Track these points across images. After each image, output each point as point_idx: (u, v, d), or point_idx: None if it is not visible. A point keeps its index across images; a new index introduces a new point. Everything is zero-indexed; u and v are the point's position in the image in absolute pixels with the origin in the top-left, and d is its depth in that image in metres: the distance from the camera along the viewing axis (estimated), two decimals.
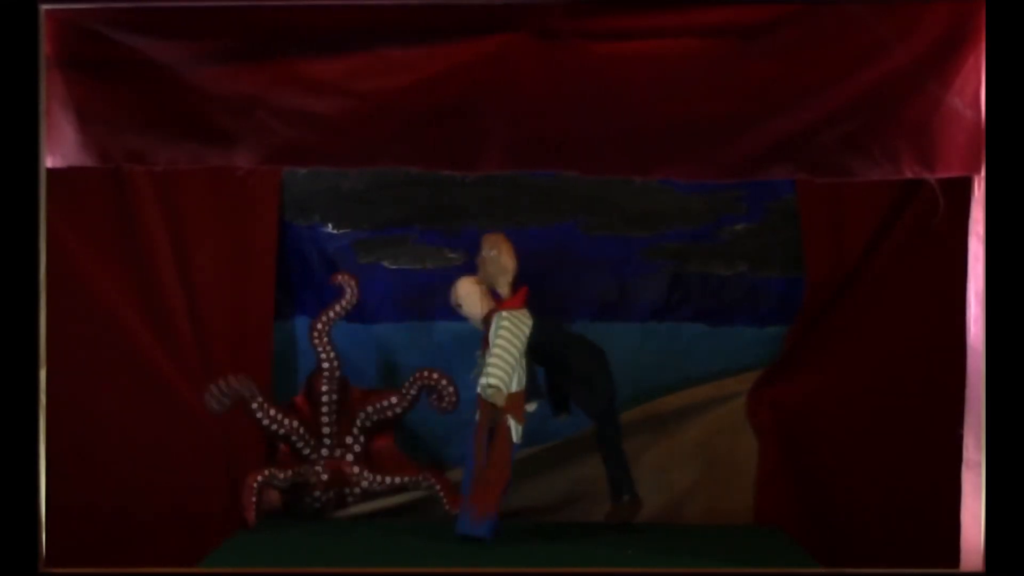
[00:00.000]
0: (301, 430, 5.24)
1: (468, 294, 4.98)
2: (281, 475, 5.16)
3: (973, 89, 3.84)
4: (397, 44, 3.94)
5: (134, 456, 5.08)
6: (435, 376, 5.25)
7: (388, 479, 5.30)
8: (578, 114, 3.99)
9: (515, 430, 4.82)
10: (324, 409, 5.28)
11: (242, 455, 5.30)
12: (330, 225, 5.56)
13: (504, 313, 4.86)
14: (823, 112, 3.94)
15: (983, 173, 3.82)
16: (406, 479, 5.31)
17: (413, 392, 5.29)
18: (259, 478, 5.07)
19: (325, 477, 5.25)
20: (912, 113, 3.89)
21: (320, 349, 5.28)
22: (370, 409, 5.32)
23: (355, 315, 5.49)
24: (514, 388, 4.82)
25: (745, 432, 5.52)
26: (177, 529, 5.09)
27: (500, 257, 4.94)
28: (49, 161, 3.85)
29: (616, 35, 3.97)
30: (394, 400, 5.30)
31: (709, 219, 5.54)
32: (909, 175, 3.94)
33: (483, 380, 4.78)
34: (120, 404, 5.09)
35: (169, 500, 5.13)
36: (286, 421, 5.21)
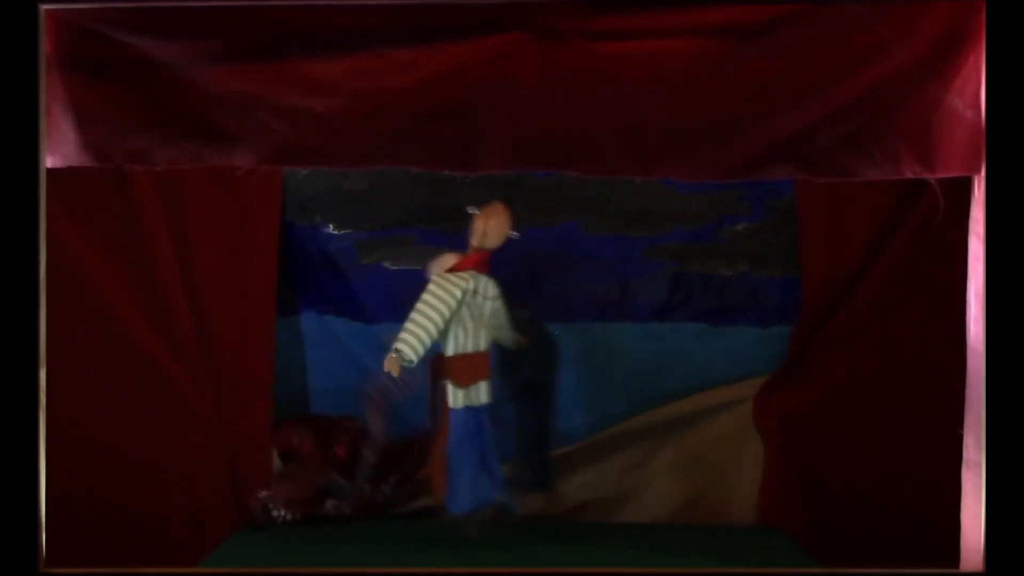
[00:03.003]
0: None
1: (440, 266, 4.96)
2: (286, 514, 5.15)
3: (973, 89, 3.83)
4: (397, 44, 3.94)
5: (135, 456, 5.07)
6: None
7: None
8: (579, 114, 3.98)
9: (452, 395, 4.79)
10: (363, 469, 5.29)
11: (244, 455, 5.31)
12: (331, 226, 5.57)
13: (435, 277, 4.84)
14: (823, 112, 3.93)
15: (983, 173, 3.82)
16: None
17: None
18: (260, 500, 5.11)
19: (347, 511, 5.24)
20: (912, 113, 3.89)
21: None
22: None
23: (357, 315, 5.50)
24: (449, 351, 4.81)
25: (750, 438, 5.51)
26: (178, 529, 5.09)
27: (479, 219, 4.91)
28: (49, 161, 3.85)
29: (616, 35, 3.97)
30: None
31: (710, 219, 5.54)
32: (909, 175, 3.93)
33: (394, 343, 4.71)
34: (122, 404, 5.08)
35: (170, 500, 5.12)
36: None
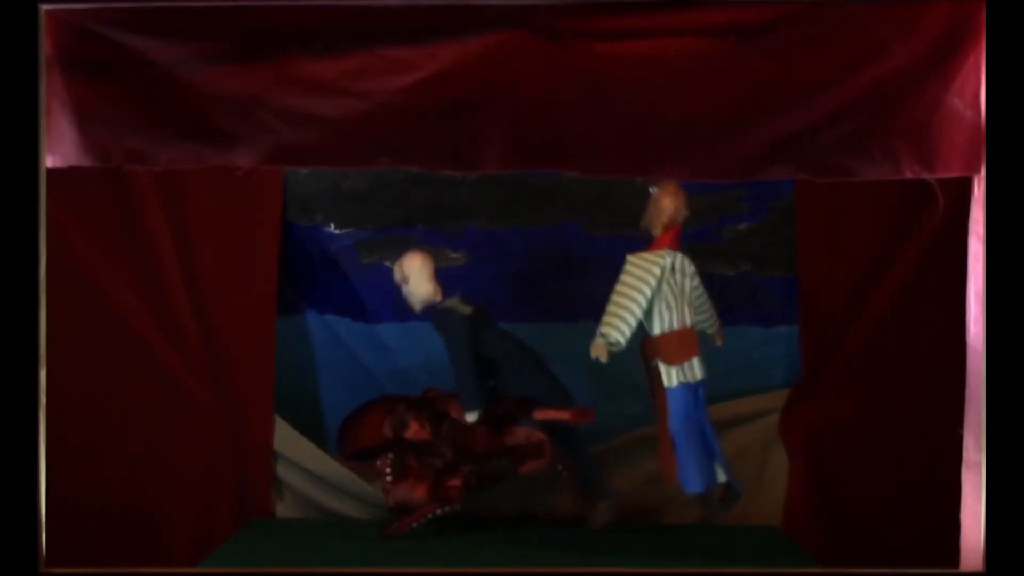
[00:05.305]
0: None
1: (418, 269, 5.00)
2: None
3: (973, 89, 3.83)
4: (397, 44, 3.94)
5: (137, 455, 5.10)
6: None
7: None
8: (579, 114, 3.99)
9: (666, 373, 4.75)
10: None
11: (247, 455, 5.31)
12: (332, 225, 5.57)
13: (631, 257, 4.80)
14: (823, 112, 3.93)
15: (983, 173, 3.81)
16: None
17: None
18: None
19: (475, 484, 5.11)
20: (912, 113, 3.89)
21: None
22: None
23: (358, 315, 5.50)
24: (656, 331, 4.76)
25: (772, 450, 5.48)
26: (178, 529, 5.10)
27: (661, 199, 4.86)
28: (49, 161, 3.85)
29: (617, 35, 3.97)
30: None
31: (711, 218, 5.53)
32: (909, 175, 3.94)
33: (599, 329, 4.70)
34: (124, 403, 5.10)
35: (171, 499, 5.14)
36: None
